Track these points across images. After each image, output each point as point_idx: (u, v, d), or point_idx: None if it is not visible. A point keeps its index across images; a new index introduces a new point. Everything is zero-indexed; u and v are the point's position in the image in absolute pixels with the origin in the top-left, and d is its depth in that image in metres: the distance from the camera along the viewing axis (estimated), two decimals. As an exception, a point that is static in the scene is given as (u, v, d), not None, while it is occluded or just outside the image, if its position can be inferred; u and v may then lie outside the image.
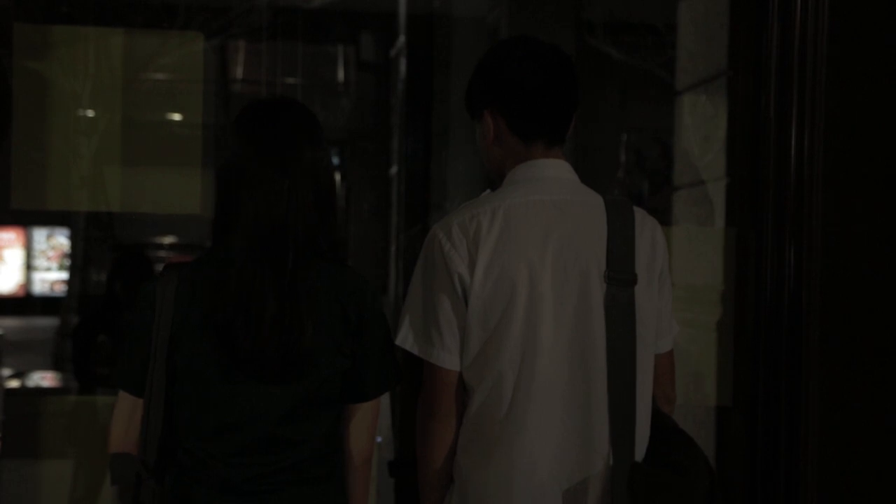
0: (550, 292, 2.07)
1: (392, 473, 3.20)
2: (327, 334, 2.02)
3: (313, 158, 2.05)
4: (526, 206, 2.10)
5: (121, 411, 2.09)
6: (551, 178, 2.16)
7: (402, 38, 11.29)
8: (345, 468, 2.12)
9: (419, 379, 2.17)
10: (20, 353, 9.83)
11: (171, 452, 2.08)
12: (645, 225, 2.15)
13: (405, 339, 2.13)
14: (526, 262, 2.07)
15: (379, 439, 5.41)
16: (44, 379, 8.00)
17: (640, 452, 2.12)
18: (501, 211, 2.09)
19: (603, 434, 2.06)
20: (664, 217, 4.57)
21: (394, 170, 13.64)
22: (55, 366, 8.73)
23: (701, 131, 3.85)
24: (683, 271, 3.93)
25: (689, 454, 2.14)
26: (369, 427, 2.12)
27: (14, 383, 7.70)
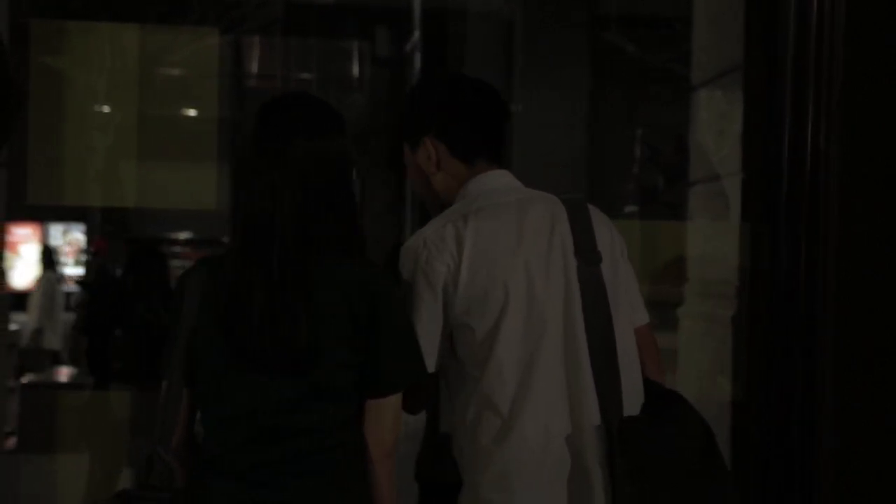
0: (538, 276, 2.19)
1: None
2: (330, 328, 2.02)
3: (310, 150, 2.06)
4: (493, 207, 2.23)
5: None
6: (504, 185, 2.30)
7: (416, 34, 11.27)
8: (367, 462, 2.13)
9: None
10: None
11: (196, 441, 2.12)
12: (599, 216, 2.30)
13: None
14: (509, 252, 2.18)
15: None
16: (60, 374, 8.03)
17: (633, 412, 2.21)
18: (472, 215, 2.21)
19: (592, 397, 2.17)
20: (679, 212, 4.56)
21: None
22: (71, 361, 8.76)
23: (716, 126, 3.84)
24: (699, 266, 3.93)
25: (680, 408, 2.25)
26: (389, 422, 2.11)
27: (30, 378, 7.73)
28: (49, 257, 9.93)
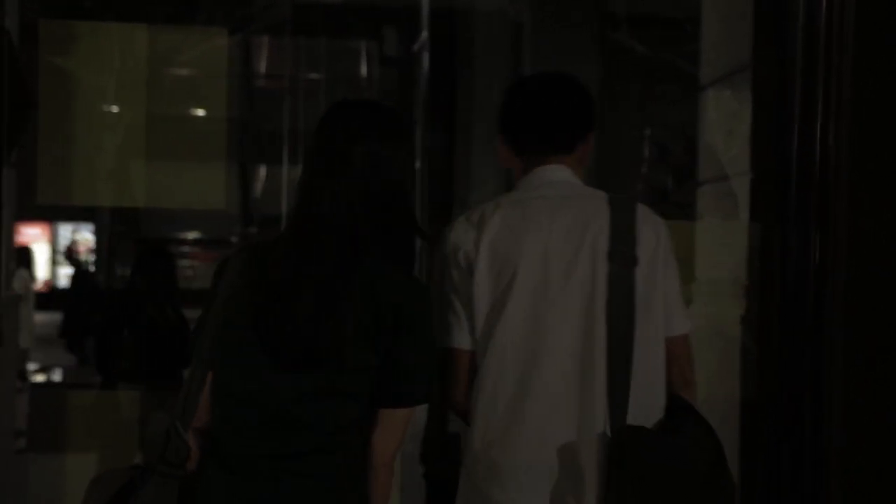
0: (557, 271, 2.21)
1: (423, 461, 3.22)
2: (358, 330, 2.04)
3: (368, 157, 2.09)
4: (530, 199, 2.29)
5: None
6: (550, 179, 2.34)
7: (424, 33, 11.27)
8: (367, 467, 2.14)
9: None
10: (45, 348, 9.90)
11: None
12: (647, 217, 2.29)
13: None
14: (531, 242, 2.22)
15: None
16: (69, 374, 8.05)
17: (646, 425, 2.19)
18: (504, 203, 2.29)
19: (602, 404, 2.16)
20: (689, 212, 4.55)
21: (416, 164, 13.66)
22: (80, 360, 8.78)
23: (725, 126, 3.84)
24: (708, 266, 3.92)
25: (688, 423, 2.21)
26: (396, 432, 2.12)
27: (39, 378, 7.75)
28: (25, 256, 9.99)
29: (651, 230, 2.25)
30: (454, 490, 2.32)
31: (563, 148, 2.36)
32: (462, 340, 2.26)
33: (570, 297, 2.19)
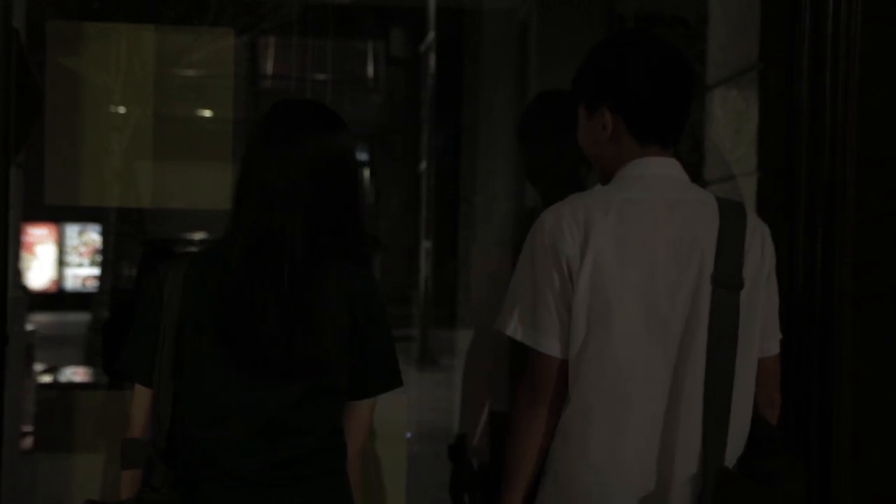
0: (661, 293, 2.06)
1: (451, 457, 3.21)
2: (335, 332, 2.03)
3: (321, 157, 2.07)
4: (639, 203, 2.10)
5: (139, 402, 2.12)
6: (662, 175, 2.16)
7: (431, 34, 11.28)
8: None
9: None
10: (52, 349, 9.91)
11: (178, 445, 2.07)
12: (756, 228, 2.15)
13: (515, 329, 2.13)
14: (637, 262, 2.06)
15: (408, 435, 5.42)
16: (76, 374, 8.06)
17: (733, 458, 2.11)
18: (615, 206, 2.08)
19: (697, 437, 2.06)
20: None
21: (423, 165, 13.69)
22: (87, 361, 8.79)
23: (732, 125, 3.83)
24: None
25: (780, 465, 2.11)
26: (367, 423, 2.15)
27: (46, 378, 7.76)
28: None
29: (758, 246, 2.13)
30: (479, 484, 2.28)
31: (678, 139, 2.22)
32: (555, 348, 2.09)
33: (672, 319, 2.06)
